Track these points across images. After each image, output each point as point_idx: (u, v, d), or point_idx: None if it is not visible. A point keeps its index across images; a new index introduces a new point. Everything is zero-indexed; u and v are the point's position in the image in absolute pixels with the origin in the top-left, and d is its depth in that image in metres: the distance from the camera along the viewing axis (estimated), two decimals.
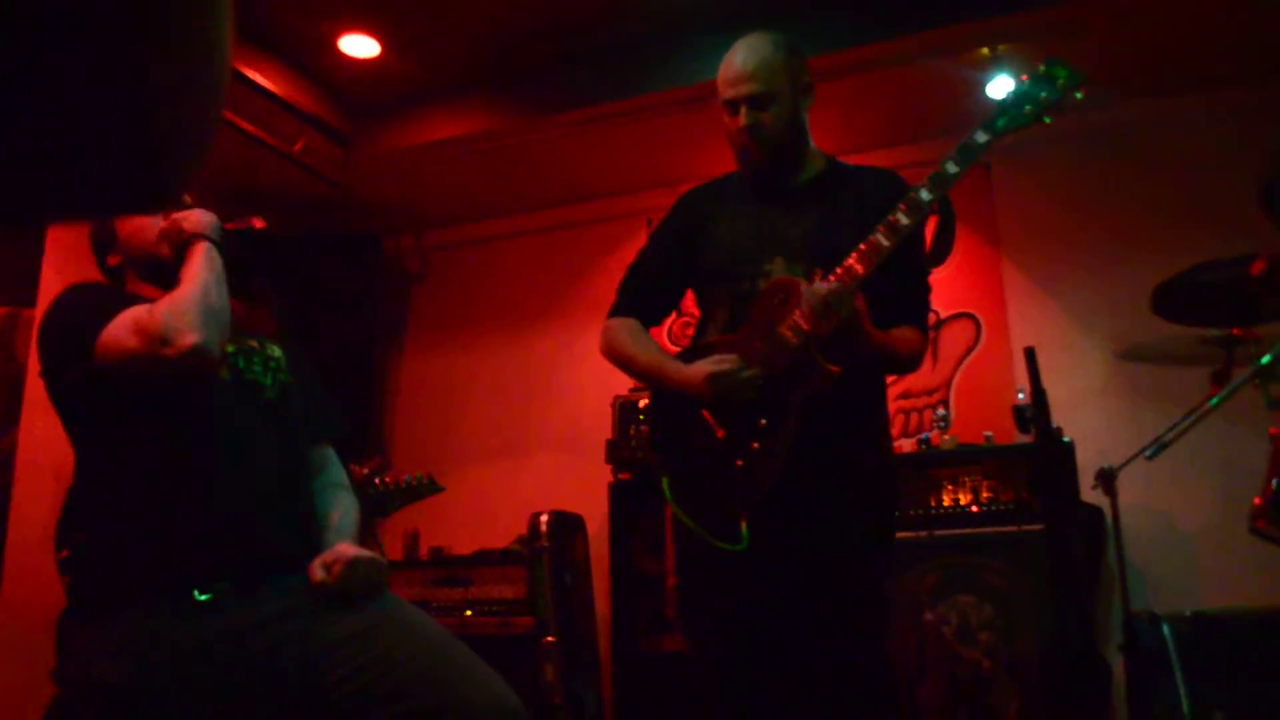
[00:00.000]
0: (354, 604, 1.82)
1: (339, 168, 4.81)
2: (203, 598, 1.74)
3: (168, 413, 1.86)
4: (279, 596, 1.80)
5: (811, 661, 2.21)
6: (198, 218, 1.93)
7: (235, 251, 1.96)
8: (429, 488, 4.06)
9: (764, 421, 2.17)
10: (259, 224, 2.08)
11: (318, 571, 1.82)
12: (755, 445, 2.18)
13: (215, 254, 1.90)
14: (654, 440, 2.42)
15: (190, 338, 1.76)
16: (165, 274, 1.91)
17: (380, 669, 1.74)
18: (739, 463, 2.19)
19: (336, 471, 2.15)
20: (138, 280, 2.03)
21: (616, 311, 2.49)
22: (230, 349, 1.95)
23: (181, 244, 1.90)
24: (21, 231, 4.30)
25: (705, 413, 2.25)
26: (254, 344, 2.05)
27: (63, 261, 4.48)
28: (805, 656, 2.22)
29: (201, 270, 1.86)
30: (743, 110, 2.28)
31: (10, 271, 4.27)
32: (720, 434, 2.22)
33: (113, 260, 2.06)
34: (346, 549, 1.87)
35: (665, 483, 2.31)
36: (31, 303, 4.32)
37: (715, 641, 2.29)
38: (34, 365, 4.21)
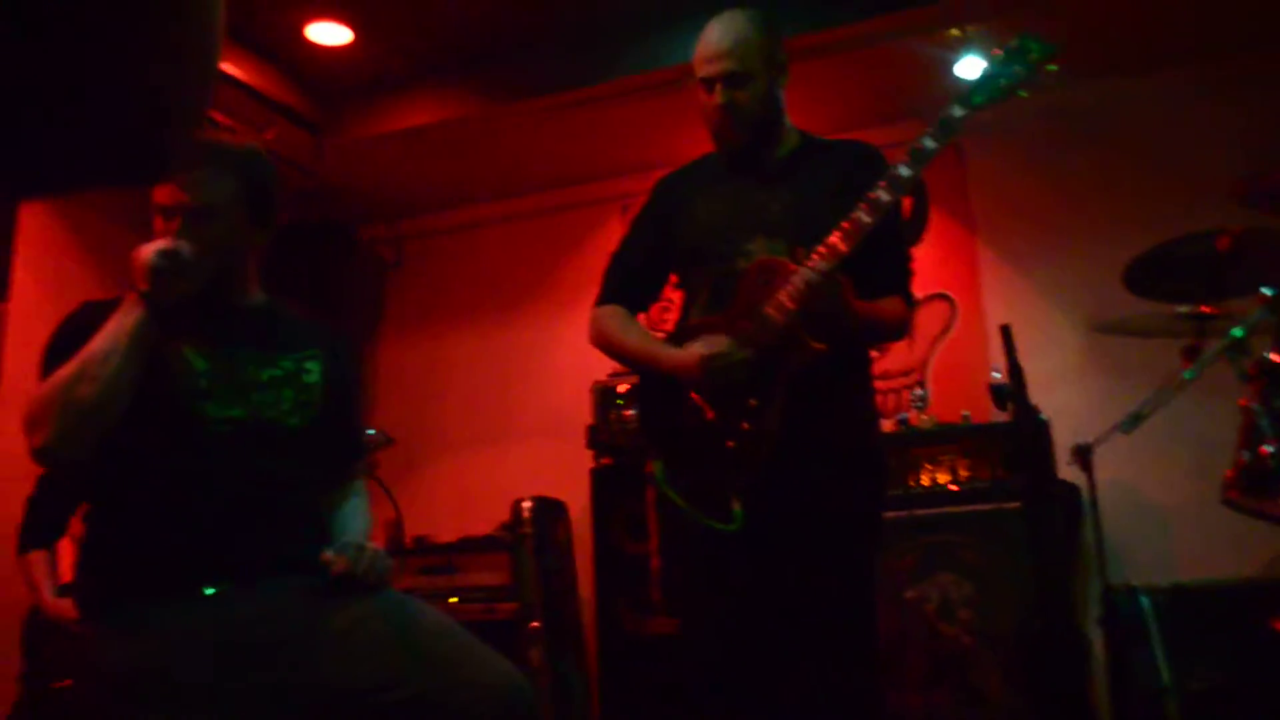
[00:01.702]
0: (361, 590, 1.86)
1: (311, 156, 4.77)
2: (209, 592, 1.78)
3: (163, 449, 1.86)
4: (284, 592, 1.83)
5: (803, 640, 2.23)
6: (142, 257, 1.82)
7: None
8: (381, 440, 4.05)
9: (754, 402, 2.19)
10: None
11: (327, 555, 1.87)
12: (746, 426, 2.19)
13: (135, 315, 1.80)
14: (644, 424, 2.43)
15: (36, 438, 1.77)
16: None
17: (385, 656, 1.78)
18: (730, 444, 2.20)
19: (351, 487, 2.17)
20: None
21: (603, 300, 2.49)
22: (254, 370, 1.94)
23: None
24: (10, 210, 4.27)
25: (694, 395, 2.26)
26: (288, 367, 2.00)
27: (34, 256, 4.43)
28: (797, 635, 2.24)
29: (100, 341, 1.78)
30: (719, 88, 2.28)
31: None
32: (710, 415, 2.24)
33: None
34: (355, 539, 1.93)
35: (658, 466, 2.32)
36: (3, 296, 4.27)
37: (704, 620, 2.31)
38: (8, 358, 4.18)
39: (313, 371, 2.04)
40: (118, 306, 1.85)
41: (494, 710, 1.74)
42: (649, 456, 2.37)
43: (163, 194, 1.92)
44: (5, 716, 3.25)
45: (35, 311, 4.30)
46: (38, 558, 3.26)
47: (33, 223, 4.47)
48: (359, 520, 2.10)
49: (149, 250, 1.82)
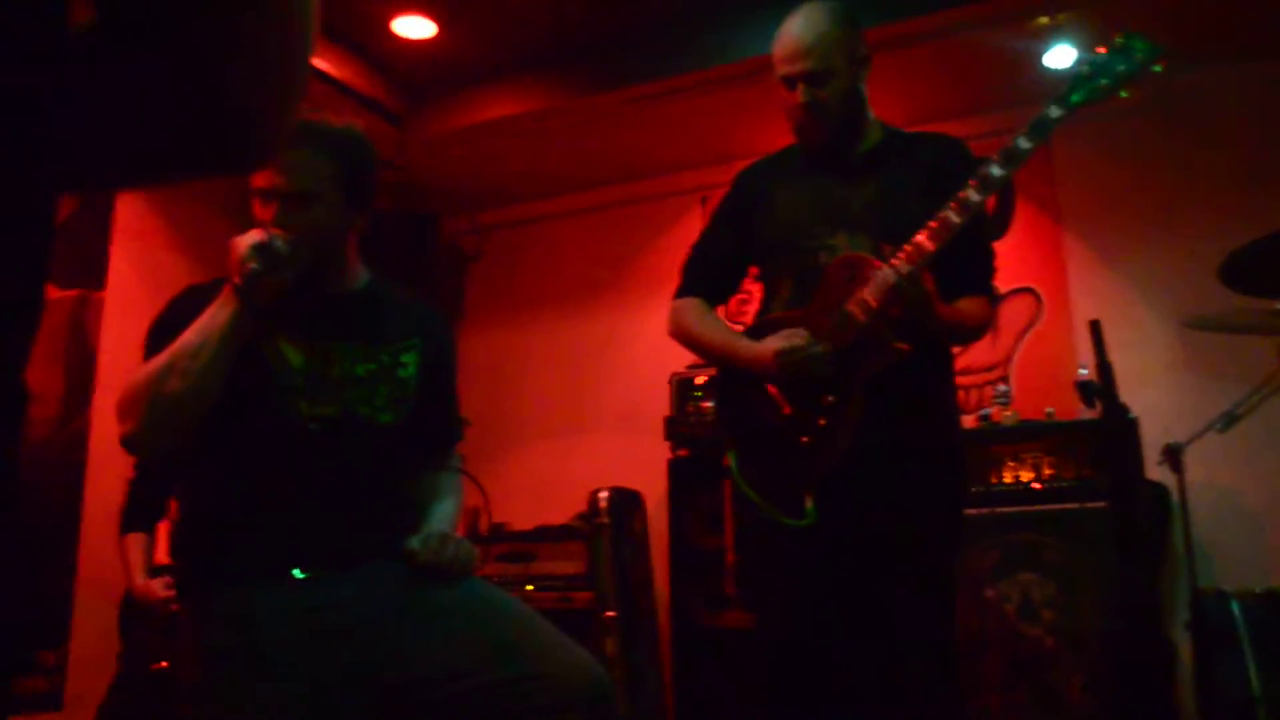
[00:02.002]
0: (444, 578, 1.90)
1: (395, 148, 4.85)
2: (300, 576, 1.82)
3: (257, 443, 1.90)
4: (372, 578, 1.87)
5: (876, 639, 2.21)
6: (237, 251, 1.82)
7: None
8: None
9: (830, 399, 2.17)
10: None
11: (413, 543, 1.91)
12: (822, 422, 2.17)
13: (229, 309, 1.81)
14: (721, 416, 2.43)
15: (125, 427, 1.80)
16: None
17: (468, 642, 1.82)
18: (805, 439, 2.19)
19: (446, 477, 2.20)
20: None
21: (682, 293, 2.49)
22: (350, 366, 1.95)
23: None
24: (108, 200, 4.41)
25: (772, 389, 2.25)
26: (385, 360, 2.01)
27: (130, 245, 4.58)
28: (870, 634, 2.22)
29: (191, 335, 1.80)
30: (800, 87, 2.25)
31: (80, 255, 4.37)
32: (787, 410, 2.22)
33: None
34: (440, 528, 1.97)
35: (732, 458, 2.32)
36: (100, 285, 4.43)
37: (779, 617, 2.30)
38: (103, 346, 4.33)
39: (409, 365, 2.04)
40: (217, 295, 1.86)
41: (575, 701, 1.76)
42: (725, 449, 2.35)
43: (261, 178, 1.91)
44: (104, 696, 3.36)
45: (131, 300, 4.44)
46: (135, 540, 3.35)
47: (129, 212, 4.60)
48: (448, 507, 2.12)
49: (244, 243, 1.81)
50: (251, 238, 1.83)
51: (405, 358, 2.04)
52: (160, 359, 1.80)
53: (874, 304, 2.10)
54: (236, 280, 1.81)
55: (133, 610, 3.37)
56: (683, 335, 2.46)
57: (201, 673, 1.81)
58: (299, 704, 1.73)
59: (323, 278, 2.00)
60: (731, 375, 2.37)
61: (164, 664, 3.26)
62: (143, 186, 4.70)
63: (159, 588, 3.21)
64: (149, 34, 0.60)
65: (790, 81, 2.27)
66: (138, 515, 3.39)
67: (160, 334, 1.90)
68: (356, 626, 1.81)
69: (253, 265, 1.80)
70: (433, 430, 2.15)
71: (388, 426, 1.98)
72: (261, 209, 1.91)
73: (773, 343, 2.19)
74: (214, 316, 1.82)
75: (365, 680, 1.80)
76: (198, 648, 1.83)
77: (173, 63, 0.61)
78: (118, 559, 3.37)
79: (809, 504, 2.16)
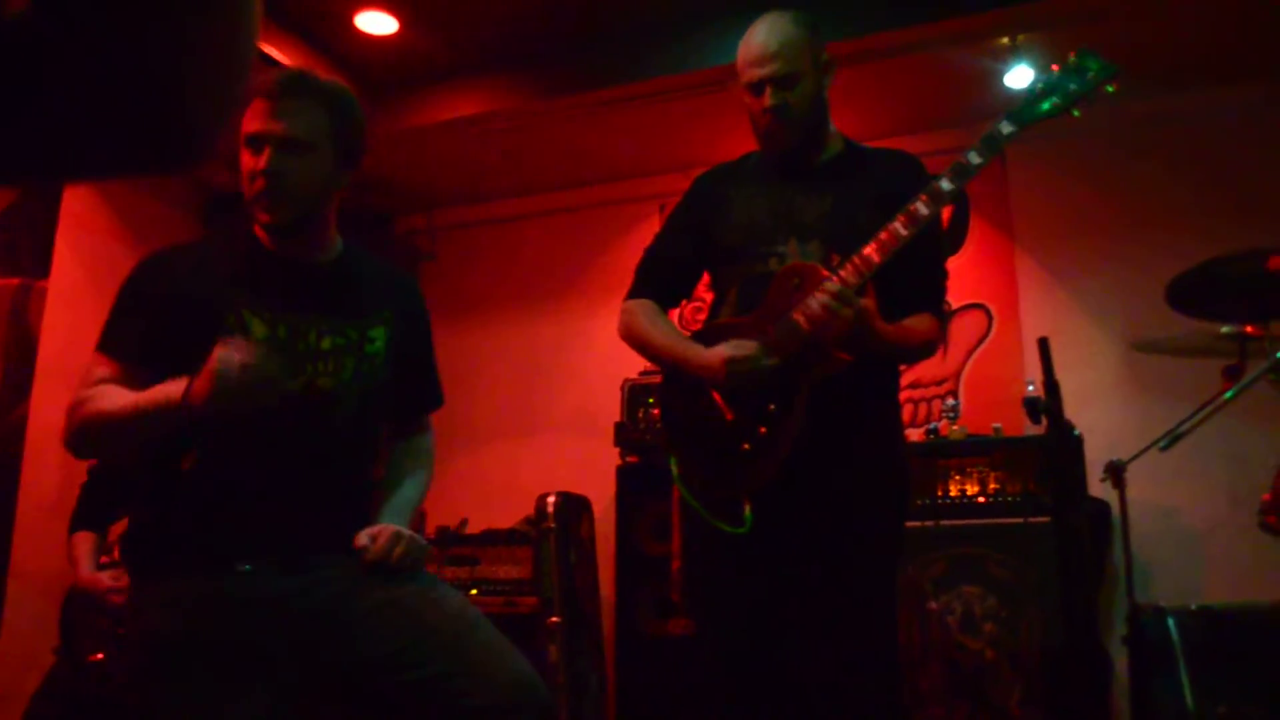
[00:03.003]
0: (392, 575, 1.88)
1: None
2: (245, 568, 1.82)
3: (216, 424, 1.84)
4: (320, 569, 1.87)
5: (817, 649, 2.21)
6: (217, 368, 1.69)
7: None
8: None
9: (772, 406, 2.17)
10: None
11: (362, 539, 1.89)
12: (763, 430, 2.17)
13: (172, 414, 1.73)
14: (664, 419, 2.42)
15: (65, 436, 1.84)
16: (249, 211, 1.91)
17: (407, 637, 1.82)
18: (745, 446, 2.19)
19: (420, 439, 2.20)
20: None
21: (634, 294, 2.48)
22: (315, 339, 1.92)
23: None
24: (55, 190, 4.33)
25: (716, 395, 2.25)
26: (352, 336, 1.97)
27: (76, 234, 4.49)
28: (807, 642, 2.22)
29: (128, 408, 1.75)
30: (768, 90, 2.25)
31: (23, 243, 4.28)
32: (729, 416, 2.22)
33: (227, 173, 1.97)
34: (393, 521, 1.95)
35: (673, 462, 2.32)
36: (44, 274, 4.33)
37: (717, 623, 2.30)
38: (45, 336, 4.24)
39: (377, 340, 2.00)
40: (189, 262, 1.90)
41: (507, 704, 1.76)
42: (665, 451, 2.35)
43: (253, 121, 1.85)
44: (38, 685, 3.30)
45: (74, 289, 4.36)
46: (84, 537, 3.31)
47: (76, 201, 4.52)
48: (410, 490, 2.09)
49: (230, 362, 1.68)
50: (237, 354, 1.70)
51: (374, 333, 2.01)
52: (103, 402, 1.78)
53: (806, 325, 2.11)
54: (199, 394, 1.69)
55: (75, 603, 3.31)
56: (632, 337, 2.45)
57: (143, 660, 1.81)
58: (239, 691, 1.74)
59: (301, 240, 1.96)
60: (676, 379, 2.36)
61: (100, 656, 3.21)
62: (74, 181, 4.61)
63: (106, 579, 3.17)
64: (87, 20, 0.58)
65: (757, 86, 2.27)
66: (89, 516, 3.33)
67: (128, 301, 1.90)
68: (300, 618, 1.81)
69: (229, 384, 1.68)
70: (409, 397, 2.15)
71: (352, 398, 1.95)
72: (251, 157, 1.86)
73: (723, 350, 2.19)
74: (158, 409, 1.73)
75: (305, 665, 1.81)
76: (141, 634, 1.83)
77: (112, 53, 0.59)
78: (53, 553, 3.31)
79: (747, 511, 2.16)
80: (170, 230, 4.62)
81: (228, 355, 1.68)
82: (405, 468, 2.13)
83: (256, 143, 1.86)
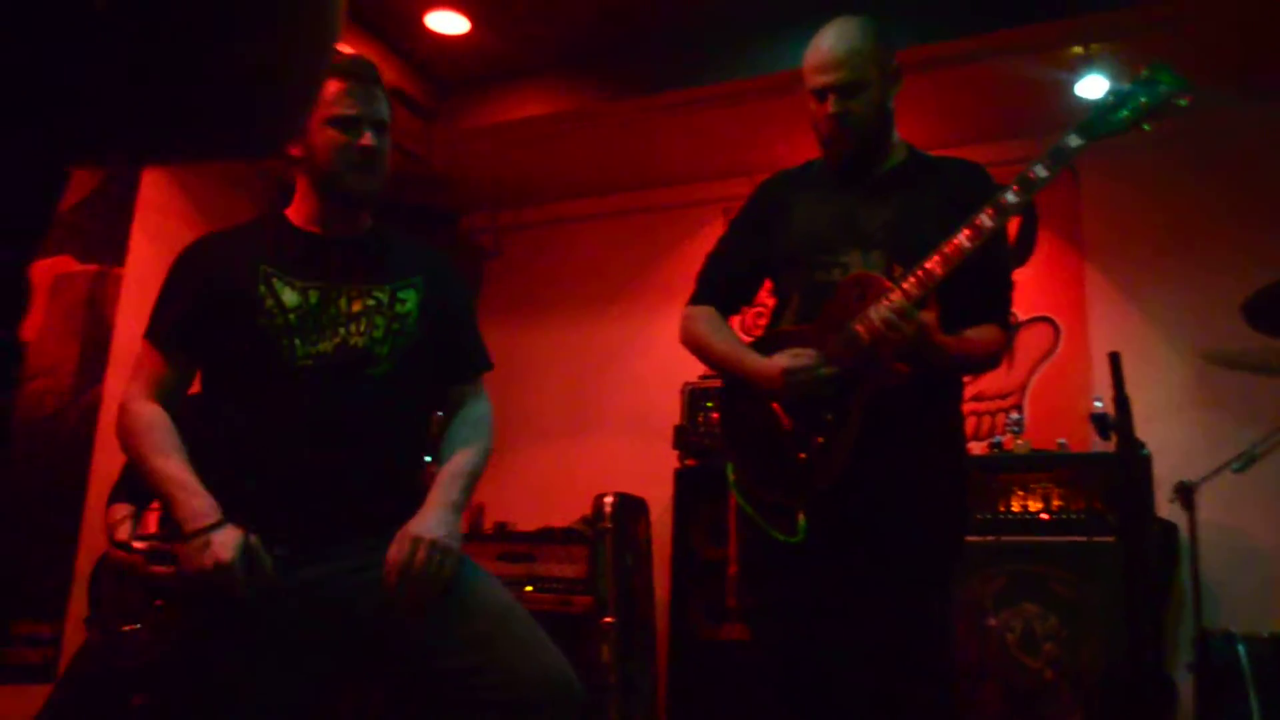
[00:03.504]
0: (412, 593, 1.84)
1: (422, 143, 4.85)
2: (277, 552, 1.83)
3: (252, 388, 1.92)
4: (358, 554, 1.87)
5: (868, 658, 2.18)
6: (182, 556, 1.79)
7: None
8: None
9: (830, 416, 2.15)
10: None
11: (390, 560, 1.84)
12: (819, 440, 2.16)
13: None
14: (722, 426, 2.41)
15: (117, 430, 1.97)
16: (327, 184, 2.01)
17: (442, 627, 1.83)
18: (802, 455, 2.17)
19: (473, 408, 2.18)
20: (300, 176, 2.06)
21: (696, 300, 2.48)
22: (346, 304, 1.96)
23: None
24: (132, 178, 4.43)
25: (775, 404, 2.24)
26: (381, 297, 2.01)
27: (152, 221, 4.59)
28: (861, 652, 2.19)
29: (161, 478, 1.87)
30: (831, 98, 2.24)
31: (101, 230, 4.39)
32: (787, 425, 2.21)
33: (295, 151, 2.03)
34: (414, 533, 1.86)
35: (730, 468, 2.31)
36: (120, 261, 4.44)
37: (772, 630, 2.29)
38: (119, 321, 4.34)
39: (408, 301, 2.04)
40: (231, 244, 2.02)
41: (536, 700, 1.77)
42: (723, 458, 2.34)
43: (351, 105, 1.98)
44: (71, 659, 3.35)
45: (150, 276, 4.42)
46: (120, 508, 3.34)
47: (152, 188, 4.62)
48: (468, 457, 2.04)
49: (224, 551, 1.75)
50: (233, 546, 1.76)
51: (404, 294, 2.05)
52: (143, 452, 1.91)
53: (865, 337, 2.09)
54: (180, 562, 1.79)
55: (108, 573, 3.35)
56: (692, 342, 2.45)
57: (178, 648, 1.87)
58: (265, 680, 1.77)
59: (337, 220, 2.05)
60: (736, 386, 2.35)
61: (134, 626, 3.24)
62: (161, 164, 4.72)
63: (139, 545, 3.21)
64: (175, 12, 0.59)
65: (821, 93, 2.26)
66: (127, 489, 3.38)
67: (168, 289, 2.03)
68: (338, 605, 1.83)
69: (193, 578, 1.77)
70: (452, 360, 2.16)
71: (386, 357, 1.97)
72: (345, 138, 1.98)
73: (781, 360, 2.17)
74: (168, 504, 1.85)
75: (337, 647, 1.84)
76: (176, 622, 1.90)
77: (198, 42, 0.61)
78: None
79: (801, 520, 2.14)
80: (242, 218, 4.69)
81: (202, 551, 1.75)
82: (460, 437, 2.10)
83: (353, 124, 1.99)
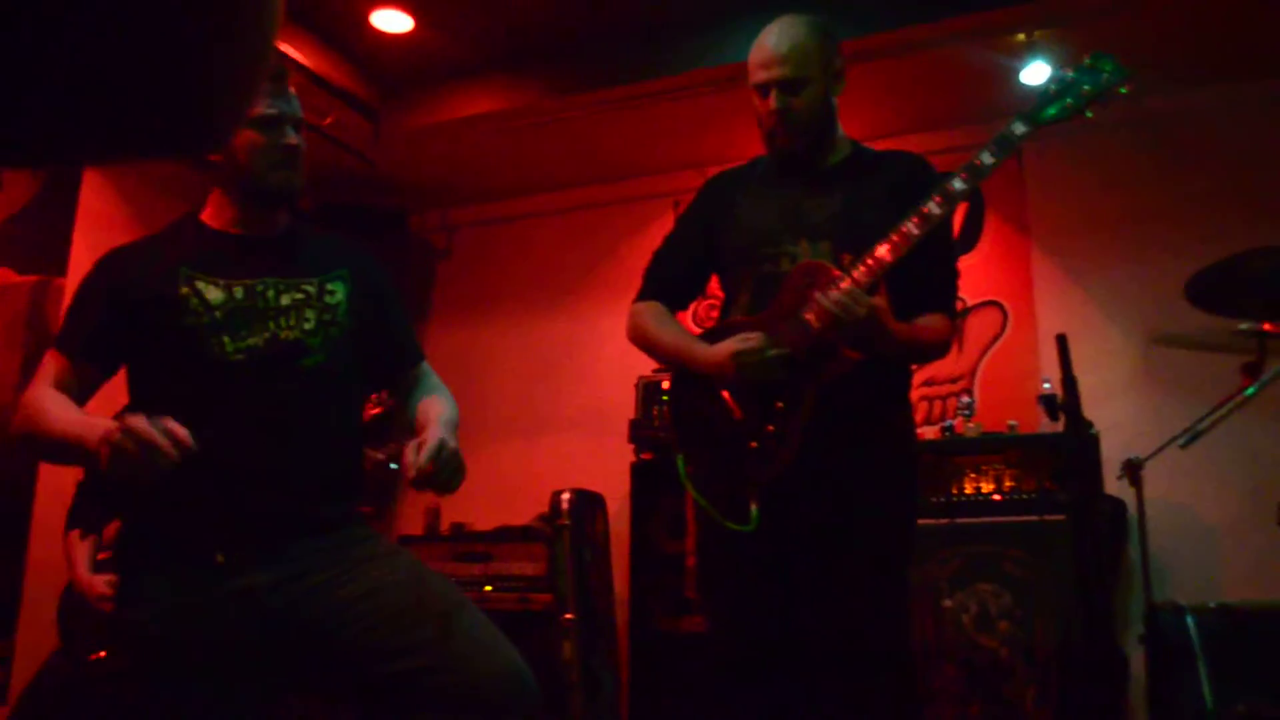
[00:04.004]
0: (434, 488, 1.82)
1: (368, 143, 4.81)
2: (215, 560, 1.82)
3: (183, 389, 1.88)
4: (301, 557, 1.85)
5: (826, 645, 2.20)
6: (101, 453, 1.67)
7: None
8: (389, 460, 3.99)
9: (780, 404, 2.17)
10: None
11: (410, 456, 1.81)
12: (770, 428, 2.18)
13: (86, 450, 1.71)
14: (674, 419, 2.43)
15: (11, 431, 1.87)
16: (250, 184, 1.98)
17: (390, 628, 1.81)
18: (753, 444, 2.19)
19: (426, 382, 2.19)
20: (221, 182, 2.03)
21: (642, 296, 2.50)
22: (274, 297, 1.95)
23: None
24: (72, 187, 4.35)
25: (726, 394, 2.25)
26: (309, 290, 2.01)
27: (93, 231, 4.51)
28: (819, 639, 2.21)
29: (62, 439, 1.77)
30: (773, 94, 2.26)
31: (41, 240, 4.31)
32: (738, 415, 2.23)
33: (213, 156, 2.01)
34: (436, 433, 1.85)
35: (680, 461, 2.32)
36: (62, 271, 4.36)
37: (728, 619, 2.30)
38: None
39: (336, 292, 2.04)
40: (141, 255, 1.97)
41: (492, 698, 1.76)
42: (674, 451, 2.35)
43: (271, 105, 1.96)
44: (30, 681, 3.29)
45: None
46: (78, 536, 3.29)
47: (93, 198, 4.55)
48: (446, 404, 2.08)
49: (129, 434, 1.64)
50: (140, 430, 1.64)
51: (332, 286, 2.04)
52: (36, 421, 1.82)
53: (816, 323, 2.11)
54: (100, 458, 1.67)
55: (73, 602, 3.30)
56: (640, 338, 2.46)
57: (128, 660, 1.85)
58: (219, 692, 1.75)
59: (254, 220, 2.03)
60: (685, 379, 2.37)
61: (102, 655, 3.20)
62: (94, 162, 4.62)
63: (100, 584, 3.15)
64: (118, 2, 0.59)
65: (764, 88, 2.29)
66: (82, 517, 3.33)
67: (79, 299, 1.98)
68: (278, 611, 1.81)
69: (126, 456, 1.64)
70: (387, 353, 2.16)
71: (318, 348, 1.96)
72: (272, 138, 1.97)
73: (729, 345, 2.19)
74: (73, 445, 1.75)
75: (287, 660, 1.82)
76: (125, 634, 1.87)
77: (140, 32, 0.60)
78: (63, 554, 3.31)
79: (754, 510, 2.16)
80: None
81: (124, 434, 1.65)
82: (426, 388, 2.15)
83: (277, 124, 1.97)
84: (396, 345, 2.19)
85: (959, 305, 4.61)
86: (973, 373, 4.56)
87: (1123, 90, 2.16)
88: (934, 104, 4.58)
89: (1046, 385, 4.02)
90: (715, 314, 2.78)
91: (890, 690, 2.18)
